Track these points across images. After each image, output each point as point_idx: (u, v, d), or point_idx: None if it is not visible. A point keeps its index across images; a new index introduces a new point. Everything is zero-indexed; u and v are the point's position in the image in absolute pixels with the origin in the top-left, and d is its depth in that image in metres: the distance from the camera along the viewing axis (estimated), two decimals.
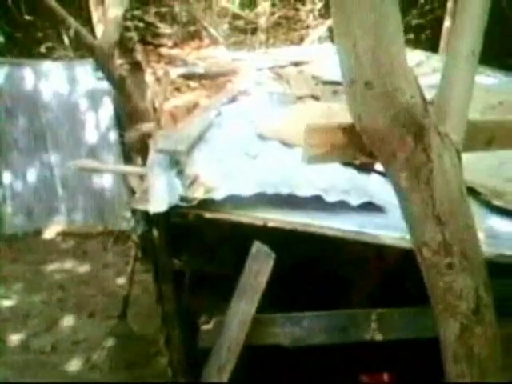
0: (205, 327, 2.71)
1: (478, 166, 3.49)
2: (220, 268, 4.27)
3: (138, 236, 3.51)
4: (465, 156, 3.59)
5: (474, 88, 4.57)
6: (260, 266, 2.65)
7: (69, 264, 6.81)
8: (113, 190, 7.48)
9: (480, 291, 1.75)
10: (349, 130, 1.67)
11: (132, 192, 5.59)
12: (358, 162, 1.81)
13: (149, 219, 3.32)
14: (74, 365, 4.98)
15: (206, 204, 2.89)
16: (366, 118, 1.57)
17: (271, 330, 2.78)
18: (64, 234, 7.51)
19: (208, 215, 2.95)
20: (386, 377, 4.43)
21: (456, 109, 1.74)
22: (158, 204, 2.87)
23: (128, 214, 5.34)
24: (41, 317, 5.72)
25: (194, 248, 4.47)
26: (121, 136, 6.81)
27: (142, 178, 3.61)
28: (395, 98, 1.52)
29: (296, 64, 5.72)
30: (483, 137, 2.02)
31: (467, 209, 1.73)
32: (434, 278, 1.75)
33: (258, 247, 2.67)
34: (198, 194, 2.94)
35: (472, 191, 3.17)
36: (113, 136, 7.15)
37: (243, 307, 2.65)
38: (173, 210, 2.87)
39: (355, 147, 1.68)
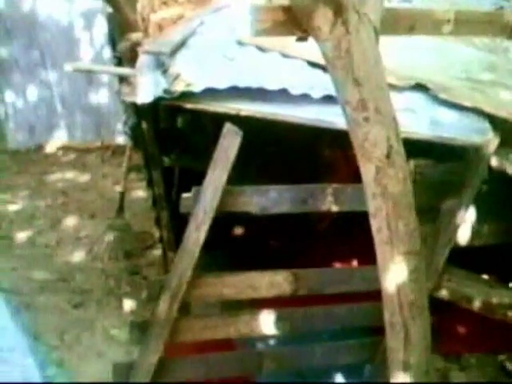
0: (185, 195, 3.23)
1: (430, 66, 3.95)
2: (204, 165, 4.78)
3: (130, 128, 3.98)
4: (419, 58, 4.04)
5: None
6: (229, 142, 3.13)
7: (70, 174, 7.35)
8: (109, 107, 7.91)
9: (391, 141, 2.22)
10: (287, 9, 2.11)
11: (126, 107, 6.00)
12: (296, 37, 2.25)
13: (138, 112, 3.80)
14: (77, 256, 5.57)
15: (187, 97, 3.34)
16: None
17: (241, 200, 3.29)
18: (64, 149, 8.02)
19: (188, 106, 3.41)
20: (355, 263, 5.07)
21: None
22: (144, 96, 3.34)
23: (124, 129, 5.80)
24: (45, 218, 6.28)
25: (183, 148, 4.96)
26: (115, 55, 7.17)
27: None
28: None
29: None
30: (406, 23, 2.47)
31: (380, 73, 2.17)
32: (354, 131, 2.23)
33: (228, 127, 3.14)
34: (179, 87, 3.39)
35: (422, 86, 3.63)
36: (107, 53, 7.51)
37: (216, 177, 3.15)
38: (157, 101, 3.34)
39: (293, 24, 2.13)
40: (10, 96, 7.95)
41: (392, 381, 2.62)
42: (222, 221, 3.43)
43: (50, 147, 8.01)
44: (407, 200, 2.34)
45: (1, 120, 8.05)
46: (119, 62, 6.56)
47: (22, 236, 5.94)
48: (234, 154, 3.13)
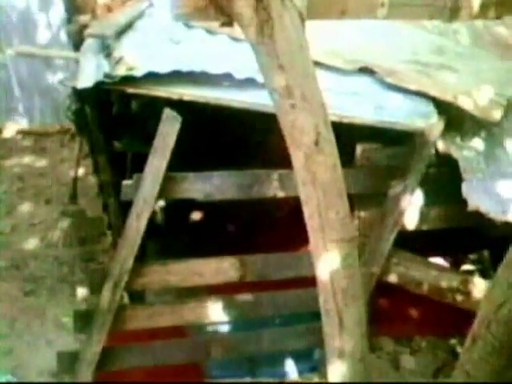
0: (126, 182, 3.17)
1: (378, 49, 3.93)
2: None
3: (73, 112, 3.90)
4: (367, 40, 4.01)
5: None
6: (169, 128, 3.08)
7: (28, 159, 7.21)
8: (68, 90, 7.72)
9: (319, 127, 2.19)
10: None
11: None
12: (219, 23, 2.20)
13: (81, 97, 3.72)
14: (32, 243, 5.48)
15: (129, 81, 3.28)
16: None
17: (184, 186, 3.24)
18: (23, 133, 7.86)
19: (130, 90, 3.34)
20: None
21: None
22: (85, 80, 3.26)
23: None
24: (1, 204, 6.16)
25: (136, 133, 4.89)
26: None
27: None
28: None
29: None
30: (337, 7, 2.43)
31: (306, 60, 2.13)
32: (282, 117, 2.19)
33: (167, 112, 3.10)
34: (121, 71, 3.31)
35: (369, 70, 3.61)
36: (64, 36, 7.35)
37: (156, 164, 3.10)
38: (98, 85, 3.26)
39: (215, 9, 2.08)
40: None
41: (329, 367, 2.62)
42: (179, 207, 3.39)
43: (8, 131, 7.85)
44: (337, 187, 2.31)
45: None
46: (76, 44, 6.43)
47: None
48: (174, 140, 3.09)
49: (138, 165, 4.03)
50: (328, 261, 2.39)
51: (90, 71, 3.38)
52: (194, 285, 3.53)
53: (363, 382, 2.57)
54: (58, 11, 7.34)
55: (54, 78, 7.72)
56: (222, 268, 3.49)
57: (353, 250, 2.42)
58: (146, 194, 3.12)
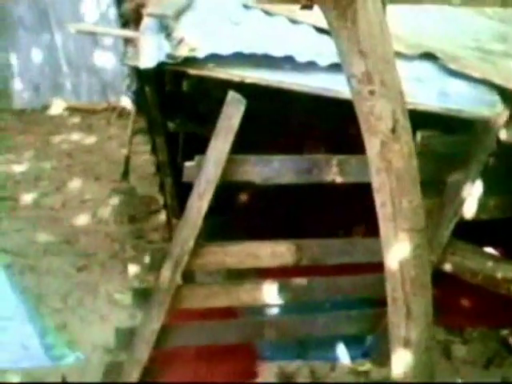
0: (188, 163, 3.18)
1: (440, 35, 3.84)
2: (209, 131, 4.72)
3: (133, 92, 3.92)
4: (429, 26, 3.93)
5: None
6: (233, 110, 3.07)
7: (75, 136, 7.31)
8: (115, 68, 7.81)
9: (397, 114, 2.16)
10: None
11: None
12: (300, 6, 2.17)
13: (141, 76, 3.74)
14: (82, 219, 5.56)
15: (190, 62, 3.27)
16: None
17: (244, 169, 3.24)
18: (70, 110, 7.96)
19: (192, 71, 3.33)
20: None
21: None
22: (147, 60, 3.27)
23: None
24: (50, 180, 6.26)
25: (187, 113, 4.90)
26: (120, 15, 7.03)
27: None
28: None
29: None
30: None
31: (387, 45, 2.10)
32: (359, 104, 2.17)
33: (231, 95, 3.09)
34: (183, 52, 3.31)
35: (431, 56, 3.54)
36: (112, 14, 7.38)
37: (219, 146, 3.10)
38: (160, 66, 3.27)
39: None
40: (15, 55, 7.88)
41: (392, 356, 2.61)
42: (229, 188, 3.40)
43: (56, 108, 7.95)
44: (412, 176, 2.29)
45: (6, 79, 7.99)
46: (125, 23, 6.42)
47: (26, 198, 5.94)
48: (238, 122, 3.08)
49: (192, 144, 4.04)
50: (398, 250, 2.37)
51: (152, 51, 3.37)
52: (250, 267, 3.54)
53: None
54: None
55: (101, 56, 7.78)
56: (278, 251, 3.48)
57: (423, 239, 2.40)
58: (209, 176, 3.12)
